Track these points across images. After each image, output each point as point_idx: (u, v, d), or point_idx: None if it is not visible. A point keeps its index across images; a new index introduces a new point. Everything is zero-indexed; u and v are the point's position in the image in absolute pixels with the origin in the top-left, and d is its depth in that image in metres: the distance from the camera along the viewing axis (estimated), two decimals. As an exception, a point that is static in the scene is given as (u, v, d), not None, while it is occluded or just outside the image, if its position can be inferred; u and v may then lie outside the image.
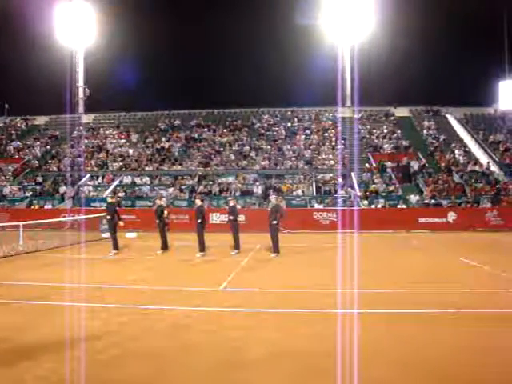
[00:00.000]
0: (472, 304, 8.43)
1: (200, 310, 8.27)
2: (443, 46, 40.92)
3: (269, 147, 35.14)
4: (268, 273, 12.46)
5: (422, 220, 25.80)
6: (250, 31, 43.16)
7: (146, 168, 33.32)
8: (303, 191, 29.23)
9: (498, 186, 28.51)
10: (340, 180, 29.86)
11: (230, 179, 30.92)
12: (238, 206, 23.94)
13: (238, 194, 28.92)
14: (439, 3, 39.49)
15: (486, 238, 22.20)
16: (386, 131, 37.23)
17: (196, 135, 37.33)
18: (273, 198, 17.28)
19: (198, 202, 16.51)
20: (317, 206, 27.56)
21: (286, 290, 9.95)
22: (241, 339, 6.60)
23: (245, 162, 33.15)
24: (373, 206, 27.15)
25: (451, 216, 25.86)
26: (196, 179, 31.22)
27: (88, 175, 32.68)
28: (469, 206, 26.87)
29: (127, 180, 31.68)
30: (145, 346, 6.40)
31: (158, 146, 36.05)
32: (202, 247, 15.69)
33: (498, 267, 12.53)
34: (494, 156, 33.46)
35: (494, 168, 31.72)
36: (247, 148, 35.05)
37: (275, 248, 15.53)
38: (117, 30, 40.54)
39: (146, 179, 31.71)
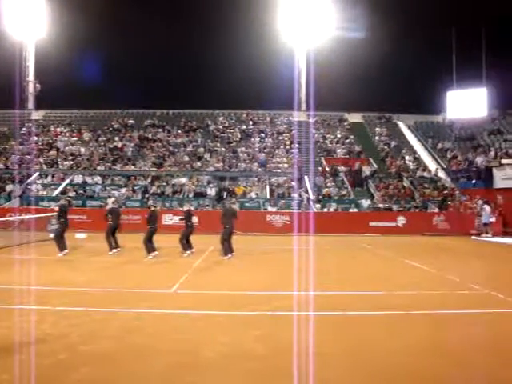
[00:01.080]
0: (420, 305, 8.67)
1: (151, 313, 8.16)
2: (396, 56, 41.96)
3: (223, 149, 35.10)
4: (220, 275, 12.45)
5: (372, 224, 26.36)
6: (208, 33, 43.13)
7: (98, 167, 32.60)
8: (257, 194, 29.34)
9: (445, 192, 29.47)
10: (294, 183, 30.18)
11: (184, 180, 30.65)
12: (192, 208, 23.81)
13: (191, 195, 28.73)
14: (394, 16, 40.48)
15: (434, 241, 22.89)
16: (339, 136, 37.88)
17: (150, 135, 36.84)
18: (228, 202, 17.29)
19: (152, 207, 16.45)
20: (270, 208, 27.72)
21: (237, 292, 9.95)
22: (192, 342, 6.54)
23: (199, 163, 32.98)
24: (325, 210, 27.54)
25: (401, 220, 26.54)
26: (149, 180, 30.81)
27: (37, 173, 31.67)
28: (417, 210, 27.65)
29: (78, 179, 30.91)
30: (94, 349, 6.23)
31: (111, 146, 35.39)
32: (150, 249, 15.45)
33: (444, 270, 12.96)
34: (441, 163, 34.59)
35: (441, 174, 32.80)
36: (201, 149, 34.89)
37: (229, 250, 15.51)
38: (71, 23, 39.26)
39: (98, 179, 31.05)
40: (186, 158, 33.60)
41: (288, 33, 39.61)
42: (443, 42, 40.65)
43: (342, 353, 6.11)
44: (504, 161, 27.86)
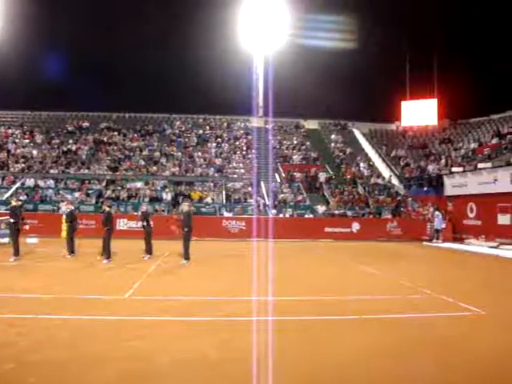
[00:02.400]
0: (373, 310, 8.77)
1: (104, 319, 7.92)
2: (353, 65, 42.73)
3: (180, 154, 34.80)
4: (176, 280, 12.28)
5: (327, 229, 26.67)
6: (165, 35, 42.61)
7: (51, 171, 31.67)
8: (213, 199, 29.17)
9: (398, 199, 30.12)
10: (250, 189, 30.22)
11: (139, 185, 30.18)
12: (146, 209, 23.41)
13: (146, 200, 28.29)
14: (351, 26, 41.22)
15: (387, 247, 23.34)
16: (295, 142, 38.22)
17: (105, 138, 36.13)
18: (185, 204, 17.14)
19: (106, 208, 16.13)
20: (226, 214, 27.62)
21: (193, 298, 9.80)
22: (146, 349, 6.37)
23: (155, 167, 32.58)
24: (281, 215, 27.65)
25: (355, 226, 26.94)
26: (104, 184, 30.17)
27: (-15, 176, 30.54)
28: (371, 216, 28.14)
29: (30, 182, 29.93)
30: (44, 357, 5.97)
31: (65, 148, 34.47)
32: (108, 254, 15.22)
33: (397, 275, 13.20)
34: (395, 170, 35.35)
35: (394, 181, 33.53)
36: (158, 154, 34.49)
37: (186, 255, 15.35)
38: (23, 19, 38.05)
39: (51, 182, 30.15)
40: (142, 162, 33.14)
41: (247, 38, 39.69)
42: (398, 53, 41.76)
43: (298, 357, 6.09)
44: (454, 169, 28.72)
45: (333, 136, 40.02)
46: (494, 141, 32.12)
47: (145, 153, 34.63)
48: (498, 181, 24.04)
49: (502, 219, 23.82)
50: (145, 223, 16.37)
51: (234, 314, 8.26)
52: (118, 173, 31.81)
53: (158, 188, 30.17)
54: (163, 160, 33.73)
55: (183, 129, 38.75)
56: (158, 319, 7.96)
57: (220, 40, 39.47)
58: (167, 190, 29.78)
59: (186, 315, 8.25)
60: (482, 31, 40.39)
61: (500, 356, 6.26)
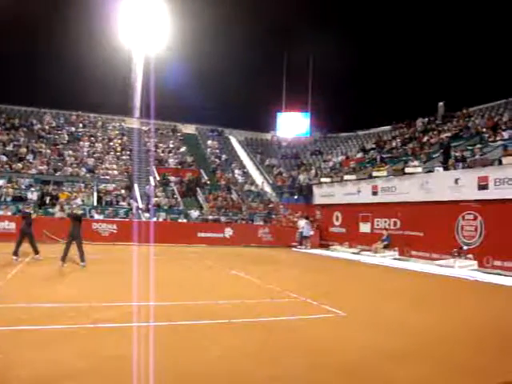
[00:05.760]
0: (242, 314, 8.85)
1: None
2: (232, 74, 43.42)
3: (48, 151, 32.71)
4: (38, 285, 11.39)
5: (201, 234, 26.68)
6: (37, 22, 39.83)
7: None
8: (83, 200, 27.79)
9: (270, 206, 31.01)
10: (123, 191, 29.34)
11: (1, 182, 27.86)
12: (9, 213, 22.10)
13: (9, 199, 26.22)
14: (232, 34, 41.80)
15: (258, 252, 23.90)
16: (172, 146, 37.83)
17: (-39, 130, 33.06)
18: (72, 205, 16.27)
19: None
20: (97, 216, 26.47)
21: (57, 305, 9.00)
22: (0, 362, 5.81)
23: (20, 164, 30.21)
24: (154, 219, 27.13)
25: (228, 232, 27.25)
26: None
27: None
28: (244, 222, 28.64)
29: None
30: None
31: None
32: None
33: (267, 280, 13.51)
34: (268, 178, 36.41)
35: (267, 189, 34.51)
36: (24, 150, 32.06)
37: (64, 257, 14.49)
38: None
39: None
40: (4, 158, 30.60)
41: (126, 36, 38.54)
42: (277, 66, 43.28)
43: (166, 362, 5.92)
44: (323, 179, 30.26)
45: (209, 142, 40.25)
46: (359, 155, 34.47)
47: (9, 148, 31.98)
48: (361, 192, 25.77)
49: (364, 227, 25.56)
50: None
51: (101, 321, 7.83)
52: (-24, 169, 29.12)
53: (23, 187, 28.07)
54: (30, 157, 31.44)
55: (54, 125, 36.46)
56: (14, 328, 7.21)
57: (99, 34, 37.79)
58: (33, 189, 27.82)
59: (46, 323, 7.57)
60: (350, 57, 43.22)
61: (362, 352, 6.63)
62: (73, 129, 36.55)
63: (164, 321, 8.04)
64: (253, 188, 33.82)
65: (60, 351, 6.24)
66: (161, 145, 37.64)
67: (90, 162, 32.47)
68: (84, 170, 31.41)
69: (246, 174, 36.57)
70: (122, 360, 5.84)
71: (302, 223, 27.28)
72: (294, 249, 26.72)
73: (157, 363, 5.76)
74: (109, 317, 8.12)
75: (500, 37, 34.84)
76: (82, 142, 34.92)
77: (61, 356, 6.03)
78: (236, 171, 36.07)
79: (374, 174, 25.34)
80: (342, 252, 24.96)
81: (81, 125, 37.48)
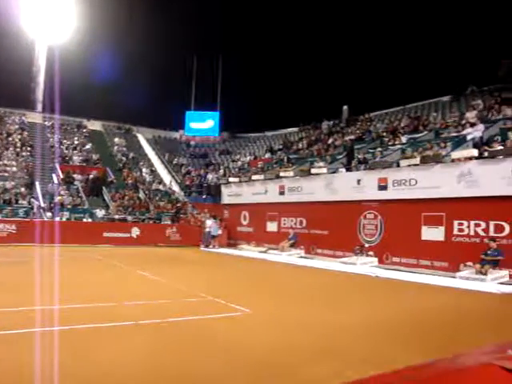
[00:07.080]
0: (149, 315, 8.87)
1: None
2: (139, 71, 42.83)
3: None
4: None
5: (106, 234, 26.08)
6: None
7: None
8: (-22, 198, 26.24)
9: (178, 205, 30.92)
10: (23, 189, 27.98)
11: None
12: None
13: None
14: (141, 32, 41.19)
15: (166, 252, 23.81)
16: (76, 143, 36.54)
17: None
18: None
19: None
20: (-6, 215, 25.10)
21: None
22: None
23: None
24: (57, 219, 26.13)
25: (135, 231, 26.86)
26: None
27: None
28: (152, 222, 28.36)
29: None
30: None
31: None
32: None
33: (174, 279, 13.59)
34: (176, 177, 36.26)
35: (175, 188, 34.38)
36: None
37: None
38: None
39: None
40: None
41: (29, 25, 36.69)
42: (186, 66, 43.20)
43: (64, 369, 5.87)
44: (231, 179, 30.62)
45: (116, 139, 39.32)
46: (267, 155, 35.27)
47: None
48: (269, 192, 26.38)
49: (271, 226, 26.20)
50: None
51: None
52: None
53: None
54: None
55: None
56: None
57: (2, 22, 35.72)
58: None
59: None
60: (258, 60, 44.14)
61: (268, 348, 6.88)
62: (-33, 122, 34.32)
63: (63, 325, 7.78)
64: (161, 187, 33.52)
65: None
66: (65, 141, 36.21)
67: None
68: (-20, 166, 29.60)
69: (153, 172, 36.16)
70: (24, 368, 5.71)
71: (210, 222, 27.47)
72: (201, 248, 26.86)
73: (60, 370, 5.71)
74: (3, 322, 7.81)
75: (399, 49, 37.15)
76: (-23, 137, 32.87)
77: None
78: (144, 170, 35.56)
79: (281, 174, 26.01)
80: (249, 251, 25.41)
81: (-24, 118, 35.27)
